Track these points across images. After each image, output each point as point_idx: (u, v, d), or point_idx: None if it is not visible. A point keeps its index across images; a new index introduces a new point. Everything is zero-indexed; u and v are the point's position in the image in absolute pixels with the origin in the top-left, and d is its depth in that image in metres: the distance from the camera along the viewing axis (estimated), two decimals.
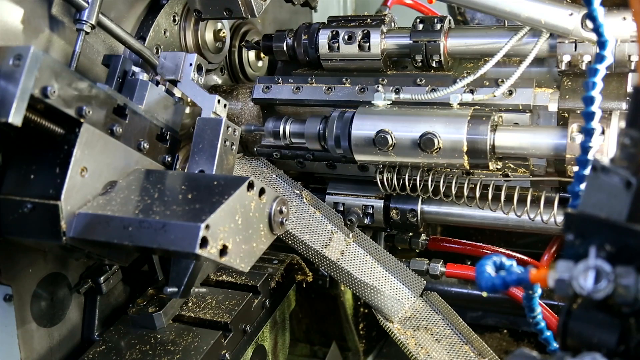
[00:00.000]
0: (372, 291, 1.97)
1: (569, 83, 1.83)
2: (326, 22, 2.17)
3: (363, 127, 1.92)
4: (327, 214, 2.13)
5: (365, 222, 2.22)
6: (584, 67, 1.81)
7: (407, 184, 2.00)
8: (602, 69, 1.31)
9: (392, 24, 2.13)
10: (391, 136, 1.86)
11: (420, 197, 2.13)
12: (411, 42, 2.00)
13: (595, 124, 1.33)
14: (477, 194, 1.97)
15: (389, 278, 2.01)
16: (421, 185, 2.00)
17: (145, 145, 1.71)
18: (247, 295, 1.96)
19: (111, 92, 1.62)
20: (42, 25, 1.71)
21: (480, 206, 1.99)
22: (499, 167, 1.91)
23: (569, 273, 0.91)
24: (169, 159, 1.83)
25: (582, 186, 1.24)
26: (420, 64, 2.03)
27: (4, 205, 1.51)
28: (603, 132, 1.70)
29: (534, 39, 1.86)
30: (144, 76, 1.79)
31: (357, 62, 2.10)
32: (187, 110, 2.01)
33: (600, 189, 0.96)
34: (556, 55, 1.84)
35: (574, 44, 1.79)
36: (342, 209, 2.24)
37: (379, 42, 2.04)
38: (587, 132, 1.33)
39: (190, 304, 1.93)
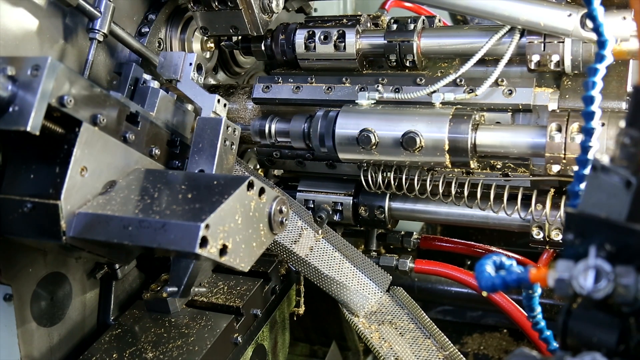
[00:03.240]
0: (338, 286, 1.98)
1: (569, 83, 1.83)
2: (303, 22, 2.18)
3: (347, 126, 1.93)
4: (298, 211, 2.12)
5: (335, 218, 2.23)
6: (552, 67, 1.81)
7: (392, 182, 2.01)
8: (602, 68, 1.31)
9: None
10: (374, 135, 1.87)
11: (388, 194, 2.15)
12: (385, 42, 2.01)
13: (596, 123, 1.33)
14: (478, 194, 1.97)
15: (357, 273, 2.02)
16: (407, 184, 2.01)
17: (156, 151, 1.75)
18: (258, 281, 2.01)
19: (124, 100, 1.65)
20: (56, 35, 1.75)
21: (482, 208, 1.98)
22: (486, 165, 1.91)
23: (568, 273, 0.91)
24: (179, 164, 1.85)
25: (582, 186, 1.24)
26: (395, 63, 2.04)
27: (4, 204, 1.51)
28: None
29: (509, 39, 1.86)
30: (155, 84, 1.83)
31: (333, 62, 2.11)
32: None
33: (600, 189, 0.96)
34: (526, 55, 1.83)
35: (542, 44, 1.80)
36: (312, 206, 2.25)
37: (354, 42, 2.05)
38: (587, 132, 1.33)
39: None
